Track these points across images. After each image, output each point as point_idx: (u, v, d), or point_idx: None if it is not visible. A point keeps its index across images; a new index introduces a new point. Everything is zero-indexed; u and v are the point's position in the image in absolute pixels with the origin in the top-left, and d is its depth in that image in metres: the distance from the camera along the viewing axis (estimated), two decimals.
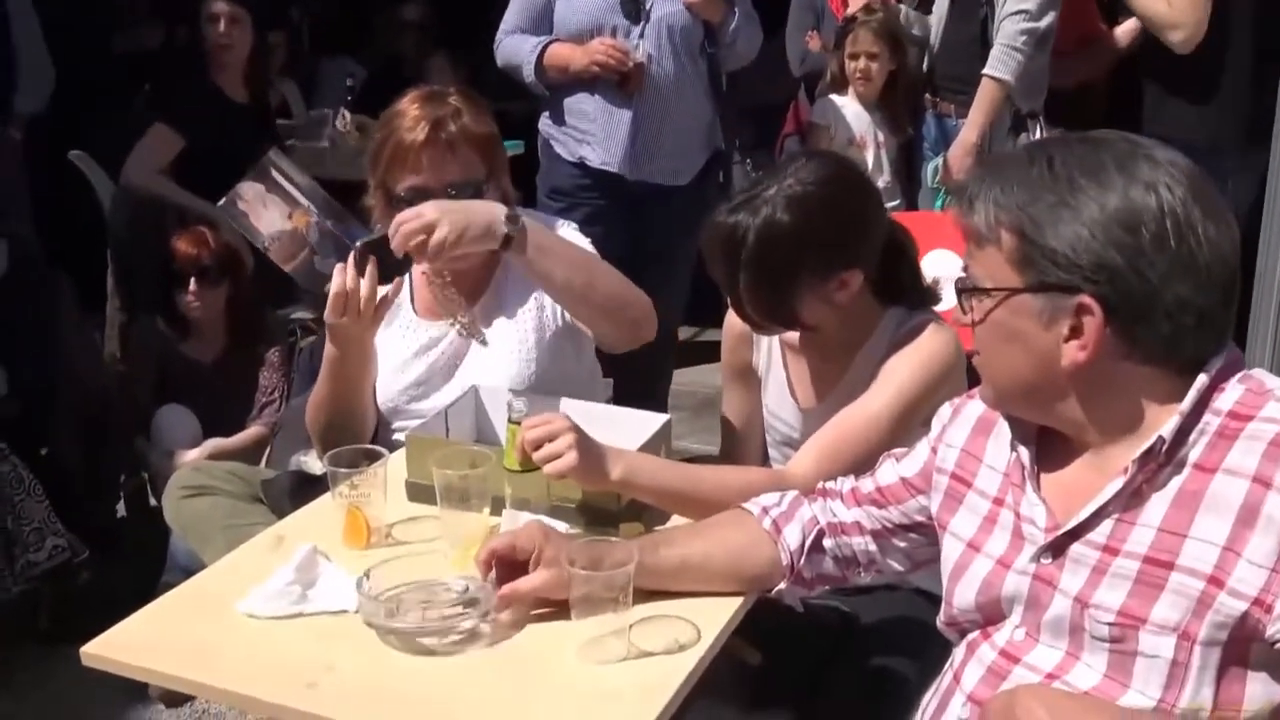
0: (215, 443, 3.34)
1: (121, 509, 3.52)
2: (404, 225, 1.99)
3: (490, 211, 2.05)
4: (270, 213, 2.12)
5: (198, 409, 3.41)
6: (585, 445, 1.72)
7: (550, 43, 3.43)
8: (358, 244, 2.03)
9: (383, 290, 2.01)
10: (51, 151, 4.35)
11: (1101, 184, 1.25)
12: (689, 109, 3.49)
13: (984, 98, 3.79)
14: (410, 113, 2.16)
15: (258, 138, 3.69)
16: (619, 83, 3.39)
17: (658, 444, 1.94)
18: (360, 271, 1.99)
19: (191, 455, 3.24)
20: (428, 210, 2.01)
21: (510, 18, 3.52)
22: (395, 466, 1.91)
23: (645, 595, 1.57)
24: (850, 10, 4.16)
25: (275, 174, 2.13)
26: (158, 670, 1.55)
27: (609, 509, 1.81)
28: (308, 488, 2.13)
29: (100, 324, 4.07)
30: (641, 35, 3.39)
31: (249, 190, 2.13)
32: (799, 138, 4.48)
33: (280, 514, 2.05)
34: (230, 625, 1.61)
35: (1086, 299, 1.25)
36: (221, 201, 2.13)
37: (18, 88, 4.42)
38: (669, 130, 3.46)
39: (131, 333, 3.81)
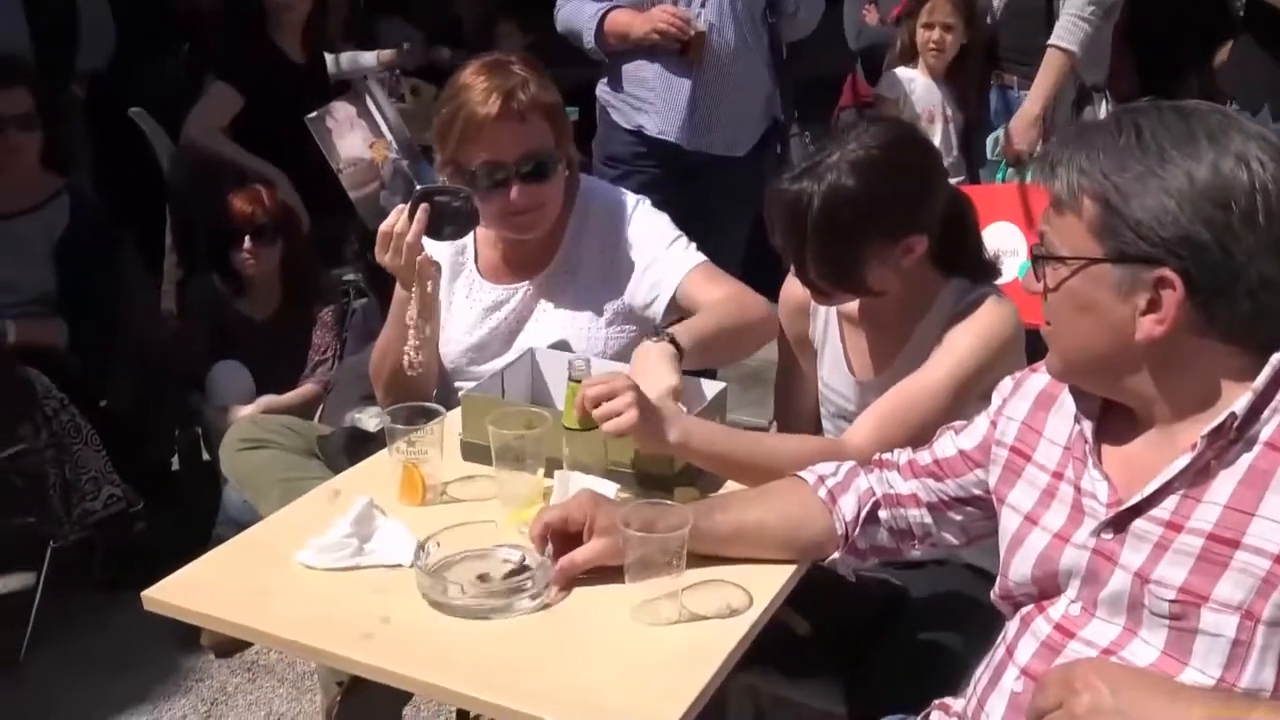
0: (269, 399, 3.37)
1: (175, 463, 3.57)
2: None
3: (658, 366, 1.92)
4: (354, 136, 2.14)
5: (251, 365, 3.44)
6: (644, 405, 1.71)
7: (611, 9, 3.41)
8: (418, 189, 2.04)
9: (438, 248, 1.98)
10: (112, 109, 4.38)
11: (1191, 155, 1.23)
12: (749, 79, 3.46)
13: (1050, 68, 3.72)
14: (478, 85, 2.12)
15: (314, 99, 3.70)
16: (679, 51, 3.36)
17: (714, 411, 1.93)
18: (411, 216, 2.02)
19: (245, 411, 3.26)
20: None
21: None
22: (452, 425, 1.92)
23: (699, 560, 1.57)
24: None
25: (369, 100, 2.14)
26: (216, 616, 1.57)
27: (664, 473, 1.81)
28: (363, 445, 2.15)
29: (158, 280, 4.12)
30: (703, 4, 3.36)
31: (341, 110, 2.15)
32: (854, 111, 4.44)
33: (336, 469, 2.07)
34: (288, 575, 1.63)
35: (1168, 273, 1.23)
36: (312, 114, 2.14)
37: (80, 45, 4.46)
38: (728, 100, 3.43)
39: (188, 289, 3.86)
